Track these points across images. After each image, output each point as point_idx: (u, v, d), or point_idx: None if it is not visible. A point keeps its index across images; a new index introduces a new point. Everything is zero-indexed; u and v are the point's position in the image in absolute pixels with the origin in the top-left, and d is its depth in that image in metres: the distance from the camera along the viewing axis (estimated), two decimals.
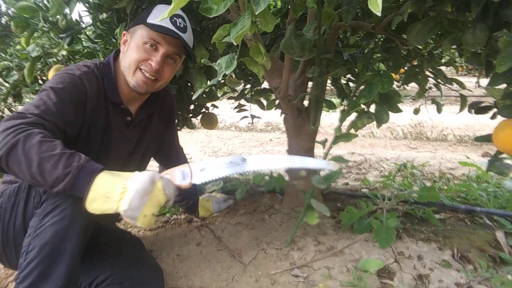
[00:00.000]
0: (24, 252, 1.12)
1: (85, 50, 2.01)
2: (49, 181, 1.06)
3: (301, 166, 1.36)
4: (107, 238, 1.51)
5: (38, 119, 1.14)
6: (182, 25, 1.36)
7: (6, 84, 2.18)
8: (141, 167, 1.69)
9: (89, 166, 1.09)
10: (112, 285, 1.38)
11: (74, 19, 1.82)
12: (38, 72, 2.05)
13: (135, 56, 1.35)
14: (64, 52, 1.94)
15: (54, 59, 2.02)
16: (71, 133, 1.25)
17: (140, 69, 1.35)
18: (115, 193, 1.09)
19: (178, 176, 1.22)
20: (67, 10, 1.69)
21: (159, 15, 1.31)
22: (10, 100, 2.17)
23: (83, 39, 2.02)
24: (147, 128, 1.60)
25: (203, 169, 1.23)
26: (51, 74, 1.86)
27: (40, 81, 2.09)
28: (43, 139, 1.07)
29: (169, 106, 1.71)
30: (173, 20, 1.34)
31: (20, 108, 1.34)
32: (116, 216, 1.75)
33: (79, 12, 1.92)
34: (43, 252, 1.09)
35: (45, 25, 1.84)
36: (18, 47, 2.29)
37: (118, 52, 1.47)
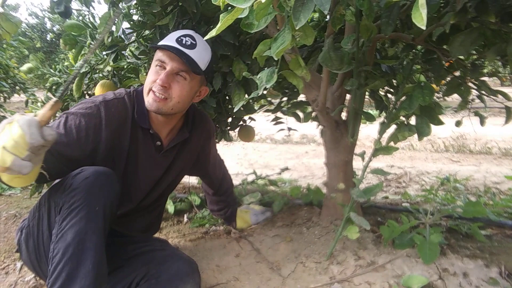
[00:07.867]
0: (50, 258, 1.18)
1: (130, 66, 2.09)
2: None
3: None
4: (138, 246, 1.55)
5: None
6: (189, 43, 1.41)
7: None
8: (168, 190, 1.74)
9: None
10: (149, 280, 1.42)
11: (118, 36, 1.91)
12: (85, 87, 2.14)
13: (149, 79, 1.43)
14: (109, 68, 2.02)
15: (100, 75, 2.11)
16: (70, 153, 1.30)
17: (152, 90, 1.41)
18: None
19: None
20: (113, 28, 1.77)
21: (169, 38, 1.42)
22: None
23: (127, 55, 2.10)
24: (179, 155, 1.64)
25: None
26: (97, 89, 1.94)
27: (87, 96, 2.19)
28: None
29: (207, 133, 1.75)
30: (179, 39, 1.40)
31: None
32: (156, 229, 1.80)
33: (124, 29, 2.00)
34: (67, 254, 1.15)
35: (92, 42, 1.93)
36: (66, 63, 2.40)
37: None
